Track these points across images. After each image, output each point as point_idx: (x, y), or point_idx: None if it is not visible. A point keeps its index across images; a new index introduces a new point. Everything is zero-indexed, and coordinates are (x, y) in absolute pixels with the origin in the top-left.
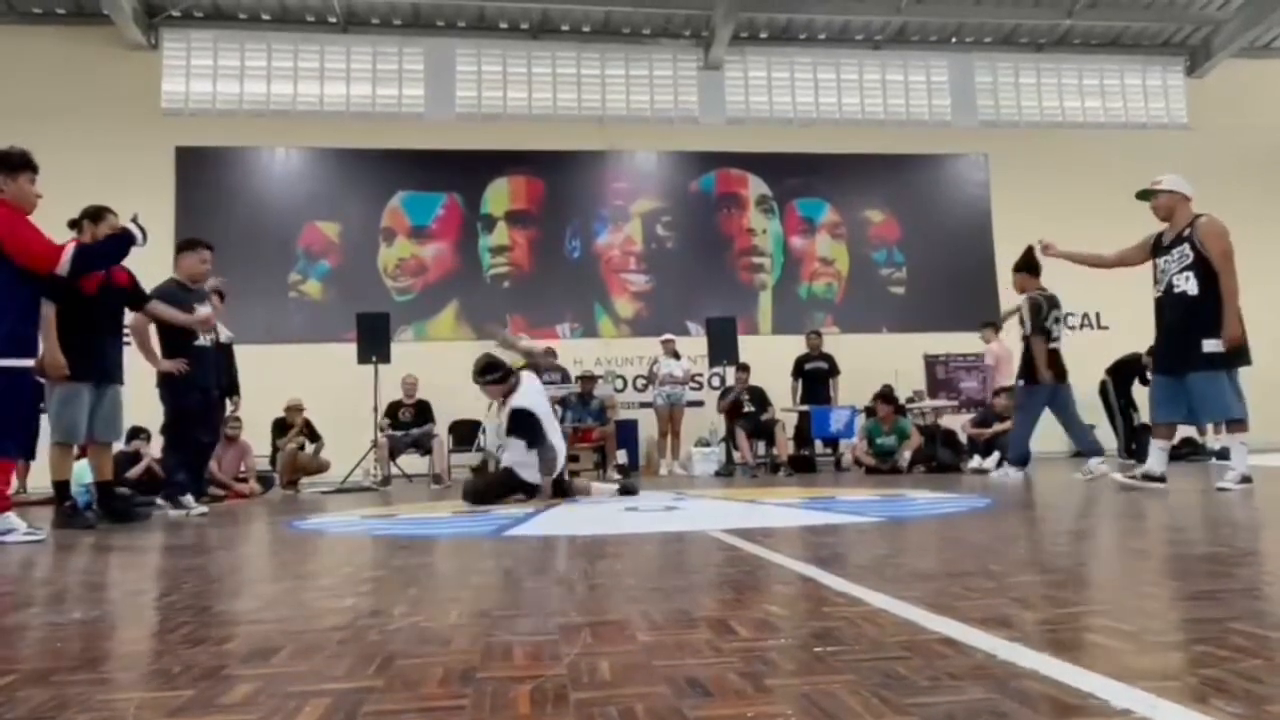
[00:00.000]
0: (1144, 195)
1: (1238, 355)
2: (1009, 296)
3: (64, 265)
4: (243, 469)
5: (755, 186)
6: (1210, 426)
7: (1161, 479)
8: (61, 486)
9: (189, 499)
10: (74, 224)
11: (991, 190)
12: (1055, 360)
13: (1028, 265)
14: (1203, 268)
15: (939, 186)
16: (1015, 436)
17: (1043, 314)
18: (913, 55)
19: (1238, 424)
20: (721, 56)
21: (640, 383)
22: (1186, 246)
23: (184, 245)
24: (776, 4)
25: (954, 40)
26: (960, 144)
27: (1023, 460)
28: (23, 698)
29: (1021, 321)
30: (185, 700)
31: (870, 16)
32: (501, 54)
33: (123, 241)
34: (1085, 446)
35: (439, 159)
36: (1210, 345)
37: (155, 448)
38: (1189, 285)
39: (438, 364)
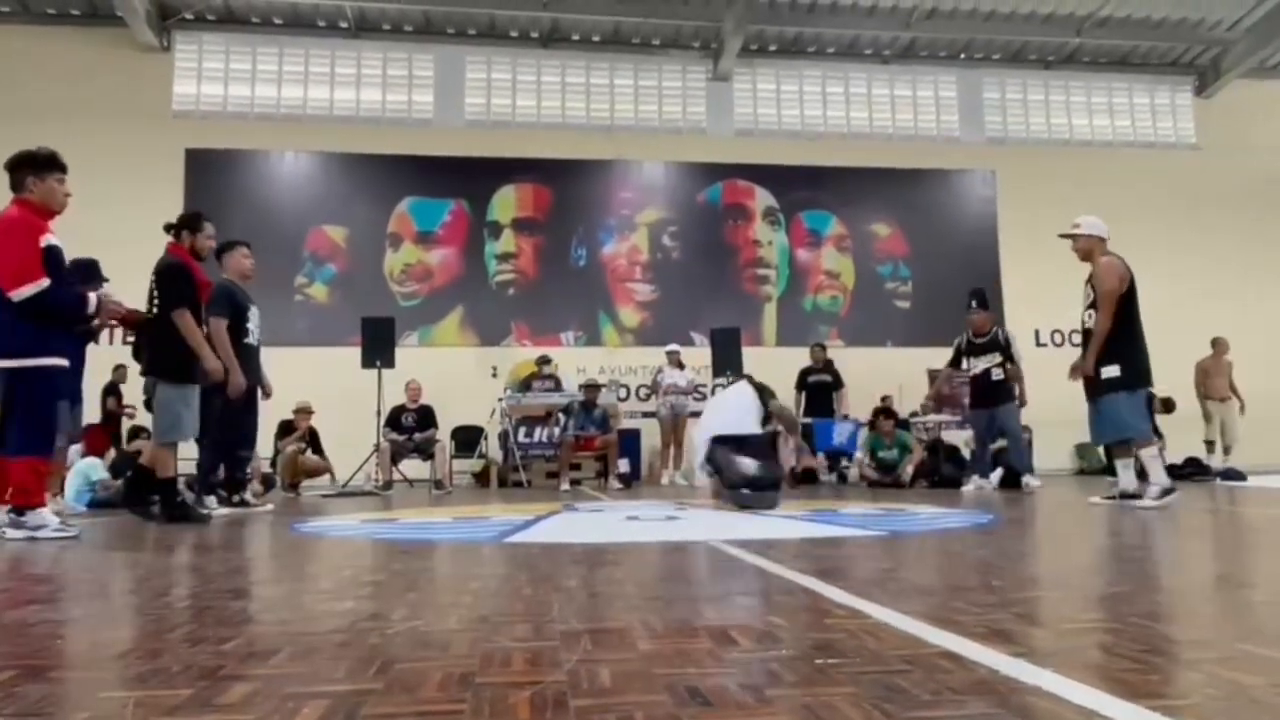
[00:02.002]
0: (1065, 236)
1: (1132, 379)
2: (1014, 313)
3: (20, 294)
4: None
5: (762, 198)
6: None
7: (1137, 495)
8: (169, 483)
9: (212, 500)
10: (172, 229)
11: (998, 206)
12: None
13: (986, 302)
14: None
15: (946, 202)
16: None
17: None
18: (921, 71)
19: (1123, 445)
20: (730, 68)
21: (643, 392)
22: (1089, 286)
23: (224, 246)
24: (786, 17)
25: (963, 56)
26: (968, 160)
27: (1027, 468)
28: (21, 693)
29: (1002, 348)
30: (183, 699)
31: (879, 31)
32: (511, 62)
33: (81, 306)
34: (981, 466)
35: (447, 165)
36: (1106, 372)
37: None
38: (1091, 323)
39: (442, 370)
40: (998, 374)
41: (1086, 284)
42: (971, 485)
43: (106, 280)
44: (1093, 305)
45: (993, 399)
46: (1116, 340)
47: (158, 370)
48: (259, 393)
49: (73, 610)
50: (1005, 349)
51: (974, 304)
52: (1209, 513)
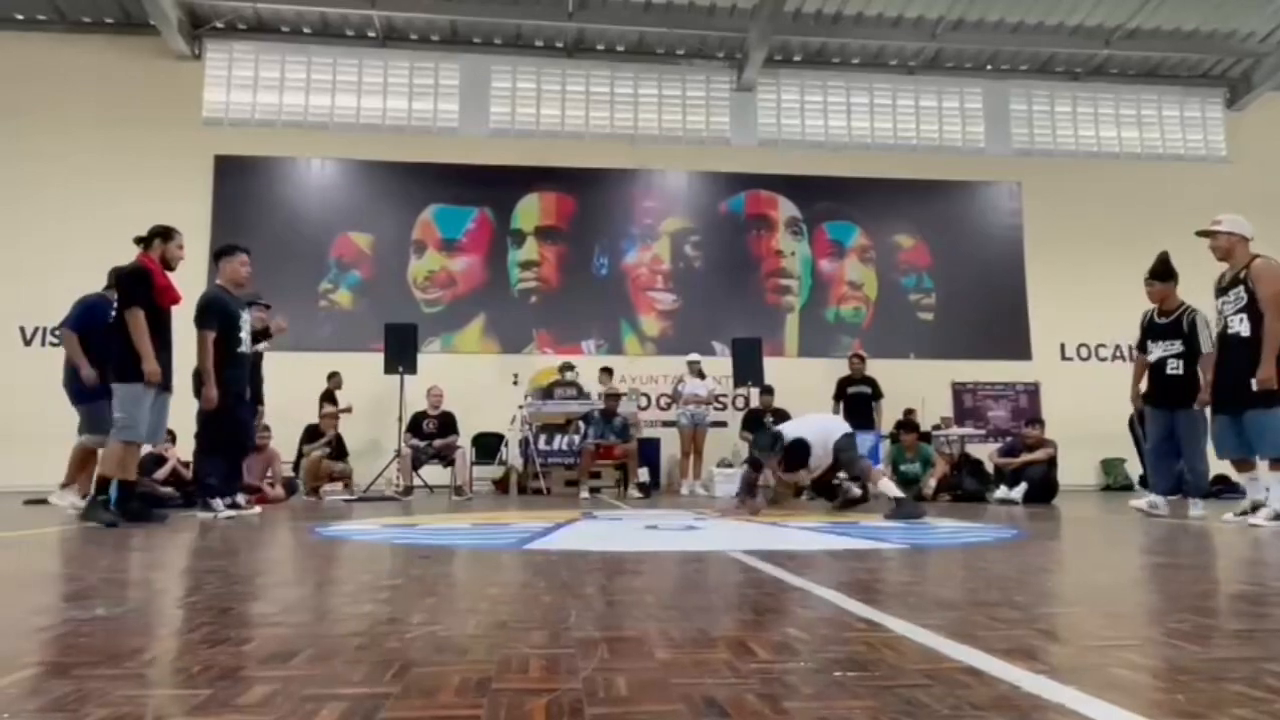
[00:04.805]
0: (1204, 234)
1: None
2: (1039, 325)
3: None
4: (269, 474)
5: (785, 209)
6: None
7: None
8: (124, 484)
9: (218, 502)
10: (142, 241)
11: (1024, 219)
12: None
13: (1168, 272)
14: (1256, 310)
15: (970, 213)
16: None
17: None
18: (947, 81)
19: (1247, 461)
20: (755, 78)
21: (664, 401)
22: (1241, 289)
23: (223, 251)
24: (811, 28)
25: (989, 67)
26: (993, 171)
27: (1202, 490)
28: (45, 690)
29: (1179, 336)
30: (203, 699)
31: (905, 42)
32: (536, 71)
33: None
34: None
35: (471, 174)
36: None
37: (181, 450)
38: (1242, 327)
39: (463, 376)
40: (1174, 367)
41: (1235, 285)
42: (1144, 503)
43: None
44: (1243, 310)
45: (1169, 398)
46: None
47: (114, 371)
48: (245, 399)
49: (95, 609)
50: (1189, 337)
51: (1149, 274)
52: (1237, 531)
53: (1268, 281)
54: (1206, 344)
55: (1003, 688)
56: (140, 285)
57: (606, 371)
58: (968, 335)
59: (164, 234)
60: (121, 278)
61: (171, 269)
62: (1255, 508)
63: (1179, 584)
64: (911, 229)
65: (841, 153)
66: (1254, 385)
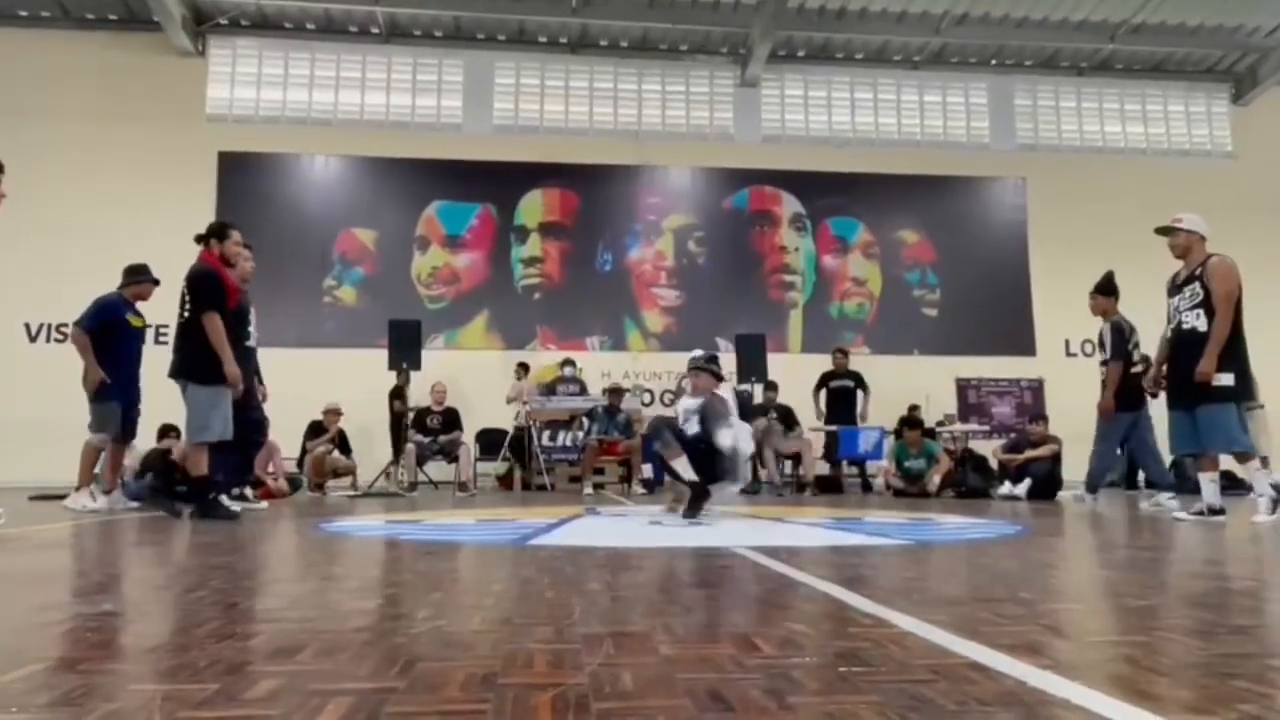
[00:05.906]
0: (1163, 231)
1: (1243, 390)
2: (1044, 321)
3: None
4: (270, 468)
5: (789, 204)
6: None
7: (1221, 510)
8: (201, 482)
9: (224, 498)
10: (201, 239)
11: (1029, 215)
12: (1135, 387)
13: (1109, 289)
14: (1212, 306)
15: (975, 209)
16: (1099, 465)
17: (1126, 338)
18: (952, 76)
19: (1243, 456)
20: (758, 74)
21: (668, 398)
22: (1197, 285)
23: None
24: (815, 23)
25: (994, 62)
26: (998, 167)
27: (1095, 487)
28: (52, 684)
29: (1102, 345)
30: (209, 694)
31: (909, 37)
32: (540, 68)
33: None
34: (1157, 478)
35: (475, 170)
36: (1220, 379)
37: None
38: (1199, 322)
39: (467, 372)
40: (1102, 374)
41: (1190, 281)
42: (1148, 503)
43: (157, 283)
44: (1198, 306)
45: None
46: (1229, 347)
47: (187, 372)
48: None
49: (102, 604)
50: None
51: (1091, 289)
52: (1240, 527)
53: (1221, 279)
54: (1107, 349)
55: (1008, 683)
56: (217, 290)
57: (616, 393)
58: (972, 331)
59: (219, 232)
60: (195, 280)
61: (232, 266)
62: (1210, 510)
63: (1183, 579)
64: (916, 225)
65: (845, 148)
66: (1212, 380)
